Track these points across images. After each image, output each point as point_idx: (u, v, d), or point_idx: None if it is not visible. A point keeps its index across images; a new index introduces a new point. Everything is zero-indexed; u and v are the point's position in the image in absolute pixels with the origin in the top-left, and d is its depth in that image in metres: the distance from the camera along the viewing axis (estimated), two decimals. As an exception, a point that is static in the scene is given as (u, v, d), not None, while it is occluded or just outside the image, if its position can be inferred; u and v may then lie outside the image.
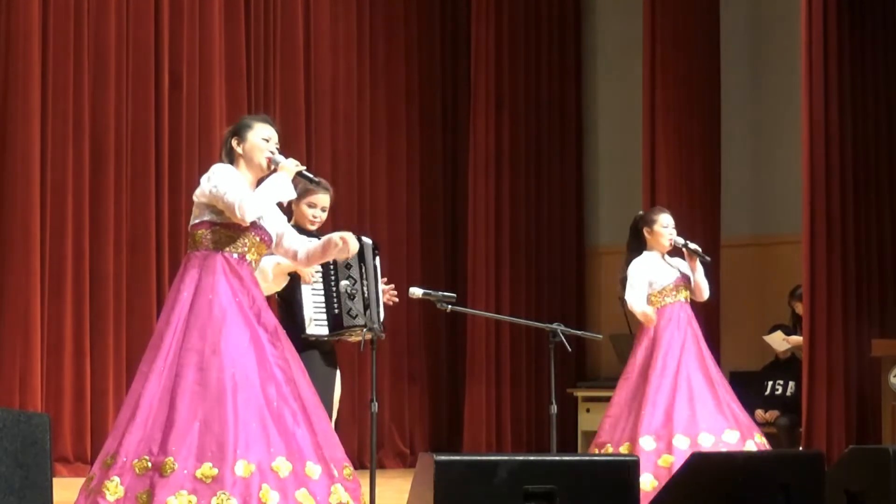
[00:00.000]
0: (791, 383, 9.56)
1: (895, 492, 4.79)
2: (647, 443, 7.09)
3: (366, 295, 5.98)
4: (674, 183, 10.09)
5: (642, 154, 10.24)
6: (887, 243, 9.56)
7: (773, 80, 10.73)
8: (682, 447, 7.00)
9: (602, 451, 7.16)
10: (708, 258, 7.60)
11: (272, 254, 5.27)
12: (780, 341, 9.72)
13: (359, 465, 9.80)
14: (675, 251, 7.52)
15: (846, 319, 9.19)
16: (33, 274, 8.41)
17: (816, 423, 9.09)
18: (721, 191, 10.46)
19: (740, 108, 10.80)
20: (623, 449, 7.11)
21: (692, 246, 7.47)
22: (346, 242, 5.01)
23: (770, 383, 9.69)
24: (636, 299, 7.34)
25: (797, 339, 9.53)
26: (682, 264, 7.52)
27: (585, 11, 11.70)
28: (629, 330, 10.84)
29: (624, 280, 7.47)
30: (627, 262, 7.45)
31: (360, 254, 6.09)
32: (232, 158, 5.00)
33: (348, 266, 6.08)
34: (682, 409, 7.15)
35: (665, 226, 7.42)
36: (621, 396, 7.37)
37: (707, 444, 7.06)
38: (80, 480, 4.75)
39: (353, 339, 6.11)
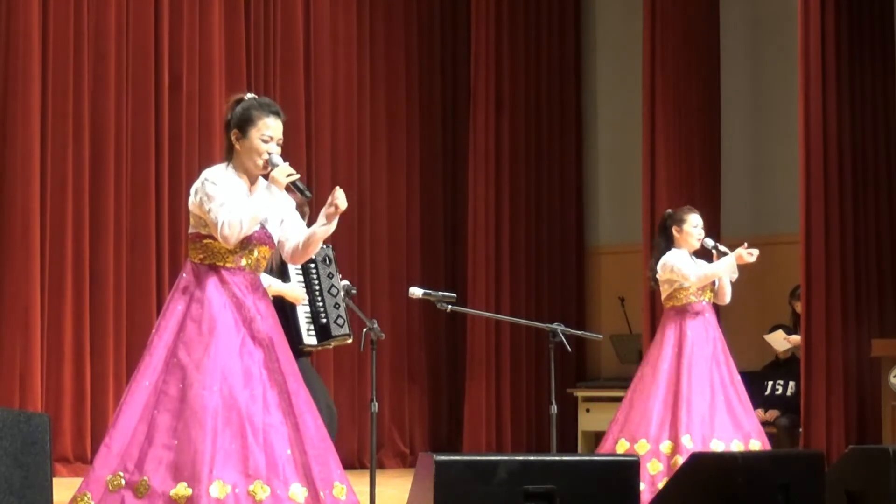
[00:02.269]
0: (791, 383, 9.54)
1: (895, 492, 4.80)
2: (686, 441, 7.05)
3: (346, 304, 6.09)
4: (674, 183, 10.08)
5: (642, 154, 10.23)
6: (886, 243, 9.54)
7: (773, 80, 10.72)
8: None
9: (634, 447, 7.11)
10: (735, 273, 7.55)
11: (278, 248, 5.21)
12: (780, 341, 9.70)
13: (359, 465, 9.82)
14: (701, 252, 7.51)
15: (845, 319, 9.17)
16: (33, 274, 8.41)
17: (816, 423, 9.08)
18: (721, 191, 10.45)
19: (740, 109, 10.79)
20: (664, 448, 7.07)
21: (722, 248, 7.47)
22: (336, 198, 4.82)
23: (770, 383, 9.67)
24: (692, 270, 7.29)
25: (797, 338, 9.51)
26: (706, 266, 7.51)
27: (585, 11, 11.69)
28: (629, 330, 10.85)
29: (655, 280, 7.45)
30: (657, 260, 7.44)
31: (336, 263, 6.19)
32: (231, 150, 4.93)
33: (330, 276, 6.14)
34: (720, 414, 7.16)
35: (695, 226, 7.43)
36: (649, 392, 7.30)
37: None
38: (80, 480, 4.73)
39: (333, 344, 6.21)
